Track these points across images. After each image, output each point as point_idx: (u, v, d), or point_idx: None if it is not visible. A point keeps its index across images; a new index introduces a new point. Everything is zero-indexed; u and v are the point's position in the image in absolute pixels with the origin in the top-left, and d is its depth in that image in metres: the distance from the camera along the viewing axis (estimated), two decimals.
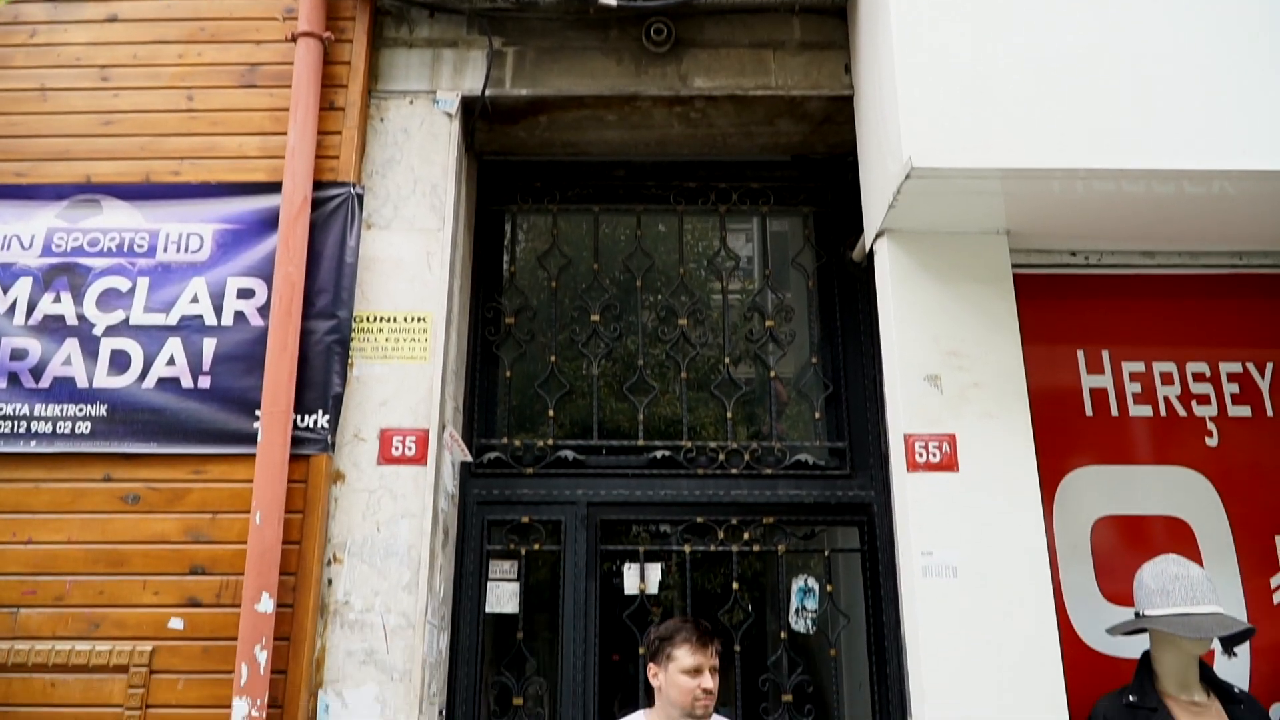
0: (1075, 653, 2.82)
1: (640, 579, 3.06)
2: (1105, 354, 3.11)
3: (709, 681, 2.57)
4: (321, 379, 2.83)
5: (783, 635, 3.05)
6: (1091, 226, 2.97)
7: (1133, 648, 2.71)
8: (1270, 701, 2.76)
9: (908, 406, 2.81)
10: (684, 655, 2.59)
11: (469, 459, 3.09)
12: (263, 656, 2.54)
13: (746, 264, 4.09)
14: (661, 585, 3.11)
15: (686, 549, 3.07)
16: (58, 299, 2.91)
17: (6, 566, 2.71)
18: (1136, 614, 2.63)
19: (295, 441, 2.75)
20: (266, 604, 2.58)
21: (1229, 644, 2.65)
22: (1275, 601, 2.93)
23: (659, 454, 3.16)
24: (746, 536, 3.08)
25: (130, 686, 2.62)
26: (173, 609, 2.68)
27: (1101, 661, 2.83)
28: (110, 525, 2.75)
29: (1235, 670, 2.79)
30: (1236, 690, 2.64)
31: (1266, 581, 2.95)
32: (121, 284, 2.93)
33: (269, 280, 2.89)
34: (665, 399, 4.00)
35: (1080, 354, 3.11)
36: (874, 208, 2.97)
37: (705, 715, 2.59)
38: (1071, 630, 2.86)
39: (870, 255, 3.04)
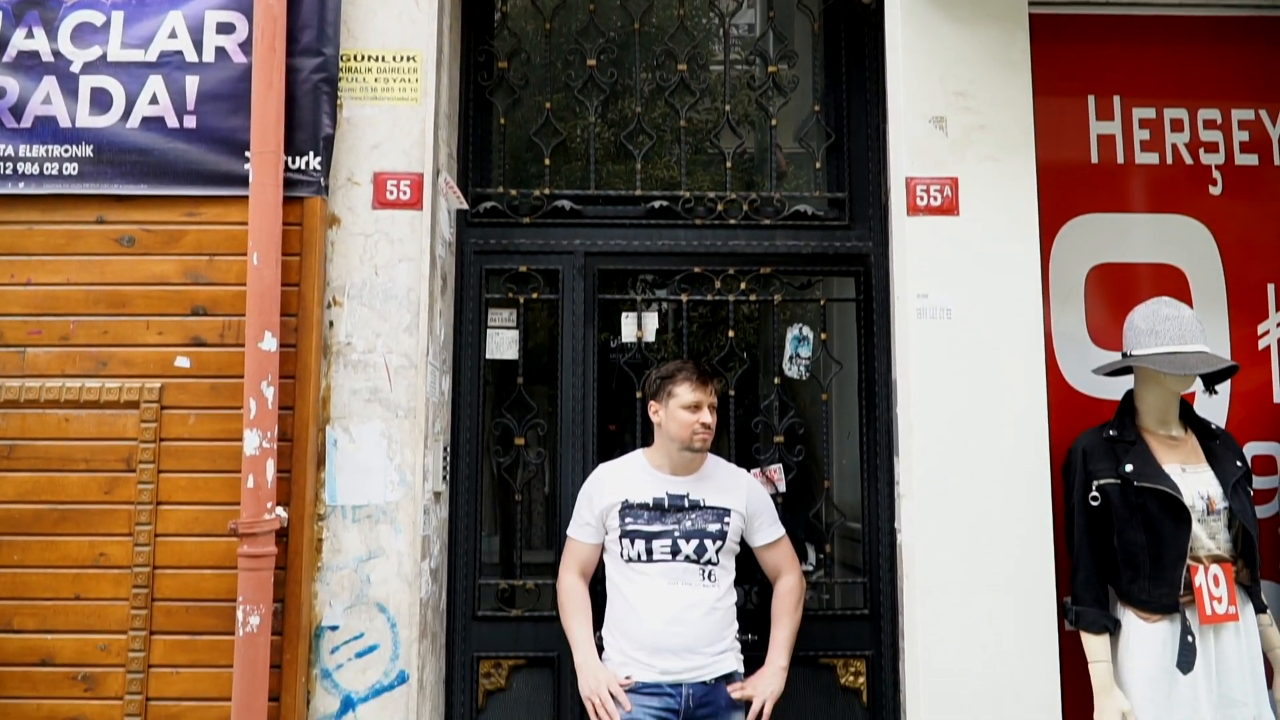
0: (1061, 395, 2.90)
1: (638, 328, 3.10)
2: (1116, 100, 3.03)
3: (708, 416, 2.69)
4: (310, 120, 2.76)
5: (776, 381, 3.12)
6: None
7: (1116, 390, 2.79)
8: (1244, 441, 2.86)
9: (911, 149, 2.76)
10: (685, 392, 2.68)
11: (465, 206, 3.06)
12: (269, 392, 2.60)
13: (749, 5, 3.91)
14: (658, 334, 3.16)
15: (684, 298, 3.09)
16: (30, 34, 2.79)
17: (8, 308, 2.74)
18: (1124, 354, 2.69)
19: (288, 184, 2.71)
20: (270, 342, 2.62)
21: (1210, 382, 2.73)
22: (1260, 347, 2.99)
23: (657, 204, 3.13)
24: (743, 286, 3.09)
25: (142, 421, 2.70)
26: (178, 348, 2.73)
27: (1086, 403, 2.91)
28: (108, 267, 2.75)
29: (1213, 412, 2.88)
30: (1214, 426, 2.74)
31: (1254, 329, 3.00)
32: (95, 18, 2.79)
33: (248, 14, 2.76)
34: (663, 162, 3.93)
35: (1090, 99, 3.02)
36: None
37: (703, 449, 2.72)
38: (1059, 373, 2.93)
39: None
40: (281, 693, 2.62)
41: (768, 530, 2.79)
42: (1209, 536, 2.57)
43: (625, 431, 3.20)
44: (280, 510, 2.63)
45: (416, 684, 2.69)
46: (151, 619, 2.66)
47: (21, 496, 2.69)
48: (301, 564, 2.67)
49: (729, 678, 2.66)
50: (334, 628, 2.70)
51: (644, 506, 2.71)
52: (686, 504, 2.71)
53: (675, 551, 2.67)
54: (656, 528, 2.69)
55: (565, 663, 2.95)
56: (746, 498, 2.77)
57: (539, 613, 3.01)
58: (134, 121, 2.77)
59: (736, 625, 2.74)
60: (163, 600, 2.67)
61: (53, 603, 2.67)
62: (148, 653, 2.65)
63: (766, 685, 2.68)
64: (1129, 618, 2.59)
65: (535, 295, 3.09)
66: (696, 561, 2.67)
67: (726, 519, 2.71)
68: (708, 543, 2.68)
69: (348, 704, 2.68)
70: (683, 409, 2.69)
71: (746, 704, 2.65)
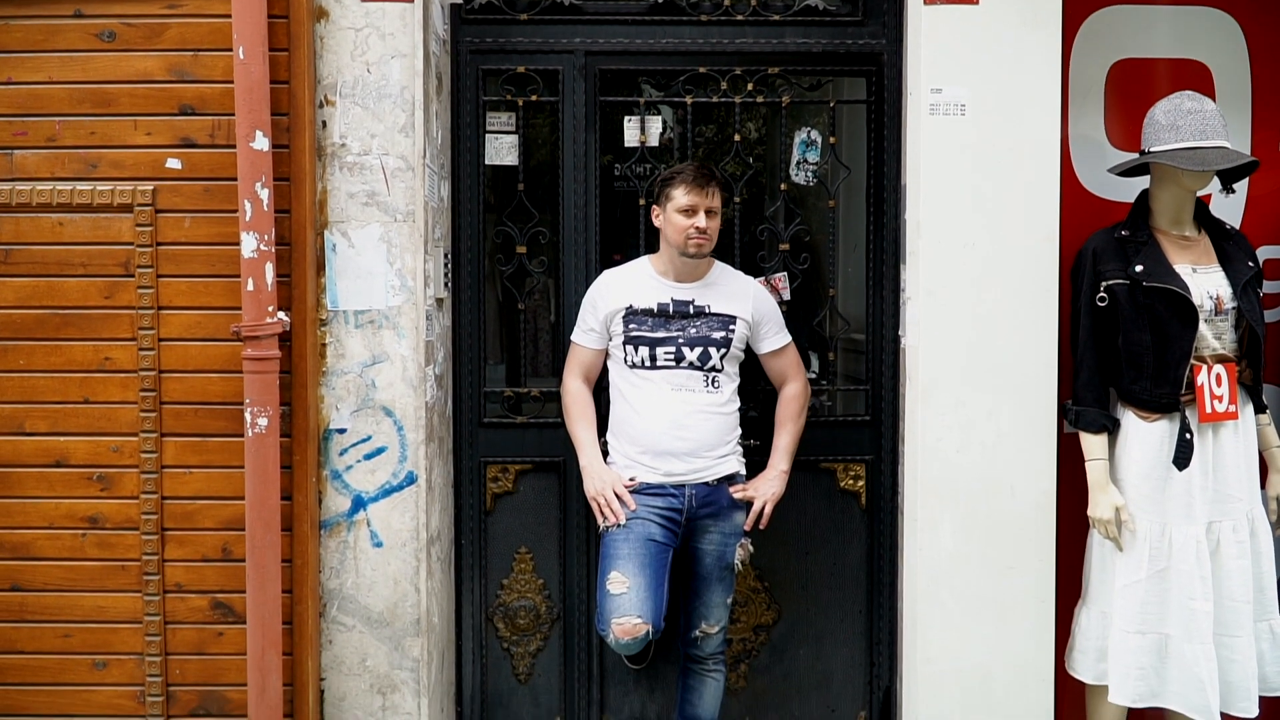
0: (1075, 197, 2.83)
1: (640, 133, 3.01)
2: None
3: (703, 221, 2.63)
4: None
5: (783, 187, 3.05)
6: None
7: (1133, 193, 2.72)
8: (1259, 245, 2.81)
9: None
10: (680, 195, 2.63)
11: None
12: (264, 193, 2.55)
13: None
14: (662, 138, 3.07)
15: (688, 100, 2.99)
16: None
17: None
18: (1142, 152, 2.61)
19: None
20: (261, 142, 2.54)
21: (1228, 180, 2.66)
22: None
23: None
24: (750, 88, 2.98)
25: (137, 225, 2.65)
26: (168, 149, 2.65)
27: (1100, 205, 2.86)
28: (90, 64, 2.64)
29: (1229, 214, 2.82)
30: (1228, 227, 2.69)
31: (1278, 130, 2.90)
32: None
33: None
34: None
35: None
36: None
37: (699, 254, 2.68)
38: (1073, 175, 2.86)
39: None
40: (293, 492, 2.68)
41: (774, 337, 2.79)
42: (1215, 336, 2.56)
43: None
44: (282, 314, 2.62)
45: (425, 485, 2.75)
46: (161, 421, 2.69)
47: (22, 301, 2.68)
48: (306, 368, 2.67)
49: (731, 479, 2.72)
50: (342, 430, 2.73)
51: (648, 313, 2.70)
52: (691, 310, 2.69)
53: (679, 358, 2.67)
54: (660, 334, 2.68)
55: (571, 467, 3.01)
56: (753, 305, 2.74)
57: (544, 419, 3.04)
58: None
59: (739, 430, 2.77)
60: (171, 403, 2.69)
61: (63, 406, 2.69)
62: (160, 454, 2.70)
63: (768, 488, 2.73)
64: (1128, 417, 2.61)
65: (534, 97, 2.98)
66: (700, 368, 2.68)
67: (732, 326, 2.70)
68: (712, 350, 2.68)
69: (358, 503, 2.75)
70: (678, 213, 2.63)
71: (747, 505, 2.71)
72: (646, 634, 2.56)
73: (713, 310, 2.70)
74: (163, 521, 2.70)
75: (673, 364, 2.67)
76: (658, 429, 2.66)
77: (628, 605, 2.55)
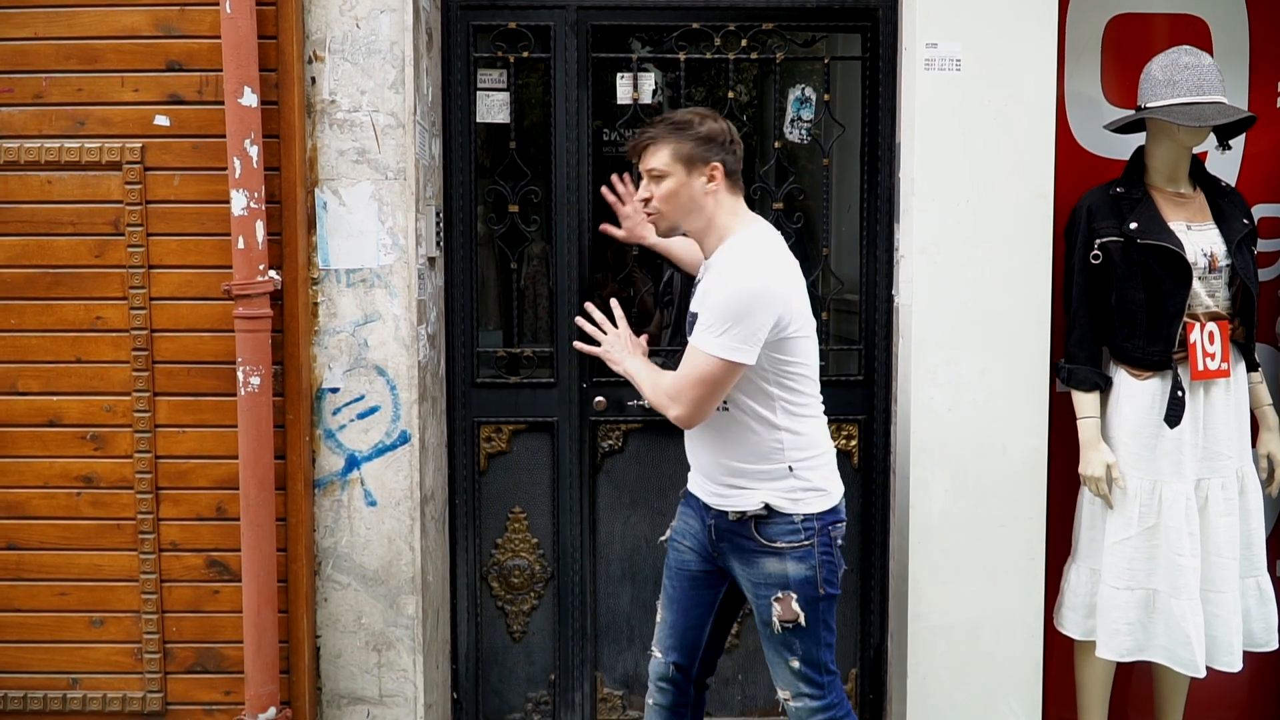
0: (1070, 154, 2.82)
1: (633, 89, 2.98)
2: None
3: (644, 190, 2.24)
4: None
5: (776, 145, 3.03)
6: None
7: (1129, 151, 2.71)
8: (1254, 203, 2.80)
9: None
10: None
11: None
12: (254, 150, 2.53)
13: None
14: (654, 97, 3.04)
15: (681, 57, 2.96)
16: None
17: None
18: (1138, 108, 2.59)
19: None
20: (250, 98, 2.52)
21: (1224, 137, 2.65)
22: (1279, 105, 2.88)
23: None
24: (744, 44, 2.95)
25: (126, 183, 2.63)
26: (156, 106, 2.63)
27: (1096, 163, 2.84)
28: (76, 19, 2.61)
29: (1225, 172, 2.80)
30: (1224, 184, 2.68)
31: (1274, 88, 2.88)
32: None
33: None
34: None
35: None
36: None
37: (661, 233, 2.28)
38: (1069, 132, 2.84)
39: None
40: (287, 451, 2.68)
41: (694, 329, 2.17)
42: (1208, 294, 2.56)
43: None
44: (273, 273, 2.61)
45: (419, 444, 2.75)
46: (154, 380, 2.69)
47: (12, 260, 2.67)
48: (298, 327, 2.67)
49: (759, 518, 2.19)
50: (334, 390, 2.73)
51: (688, 302, 2.34)
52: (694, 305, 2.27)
53: None
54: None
55: (564, 427, 3.02)
56: (704, 297, 2.17)
57: (538, 379, 3.04)
58: None
59: (780, 459, 2.18)
60: (163, 362, 2.69)
61: (55, 365, 2.69)
62: (153, 413, 2.70)
63: (619, 351, 2.33)
64: (1120, 375, 2.61)
65: (526, 54, 2.95)
66: None
67: None
68: None
69: (352, 462, 2.76)
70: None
71: (778, 552, 2.19)
72: (667, 667, 2.39)
73: (692, 306, 2.25)
74: (157, 480, 2.71)
75: None
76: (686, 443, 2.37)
77: (655, 636, 2.42)
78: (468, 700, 3.11)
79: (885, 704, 3.00)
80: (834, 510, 2.23)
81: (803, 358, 2.19)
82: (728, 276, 2.11)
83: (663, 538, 2.47)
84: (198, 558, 2.74)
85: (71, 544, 2.73)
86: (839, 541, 2.25)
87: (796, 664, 2.21)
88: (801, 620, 2.17)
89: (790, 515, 2.17)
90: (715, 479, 2.25)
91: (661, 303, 3.48)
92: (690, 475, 2.38)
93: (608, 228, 2.77)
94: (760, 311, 2.07)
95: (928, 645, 2.77)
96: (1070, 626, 2.71)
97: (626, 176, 2.71)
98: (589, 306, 2.44)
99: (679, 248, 2.61)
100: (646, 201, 2.23)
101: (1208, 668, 2.53)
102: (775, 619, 2.18)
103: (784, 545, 2.17)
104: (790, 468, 2.18)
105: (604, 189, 2.73)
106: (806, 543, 2.17)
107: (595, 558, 3.09)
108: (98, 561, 2.73)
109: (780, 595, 2.18)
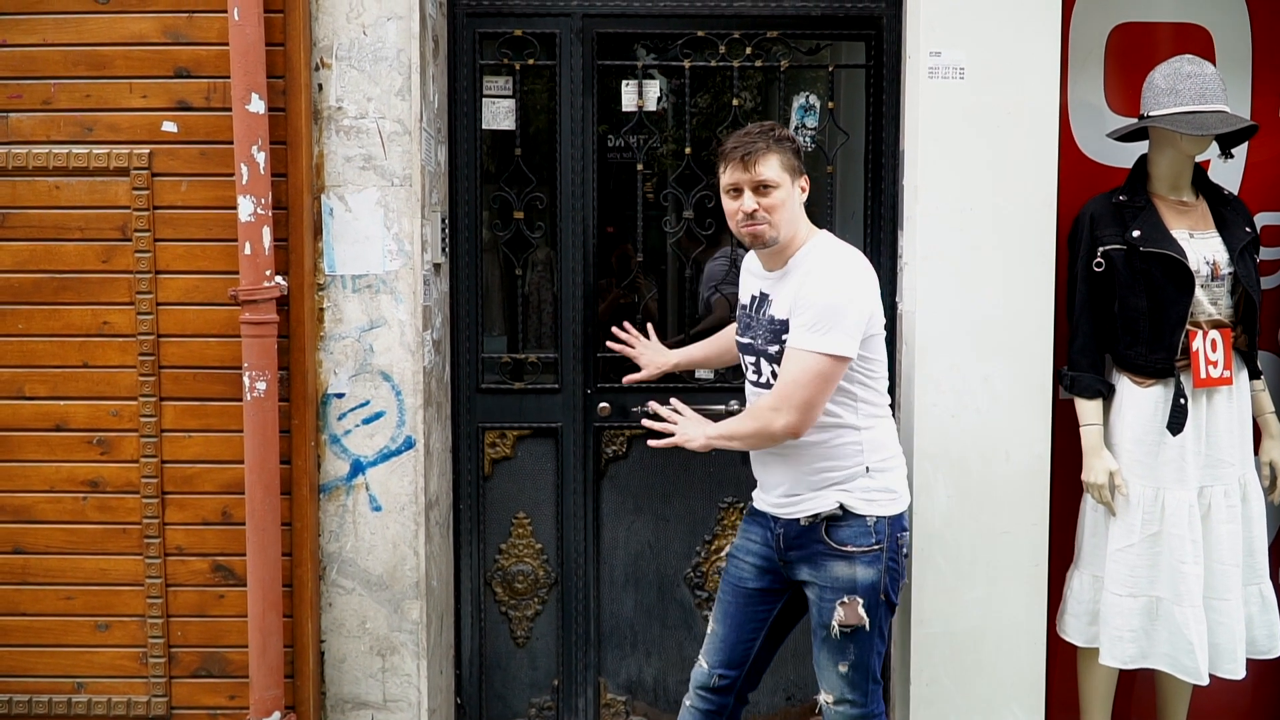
0: (1073, 163, 2.82)
1: (638, 96, 3.00)
2: None
3: (750, 203, 2.18)
4: None
5: None
6: None
7: (1132, 159, 2.72)
8: (1256, 211, 2.81)
9: None
10: (723, 175, 2.25)
11: None
12: (260, 157, 2.54)
13: None
14: (659, 104, 3.06)
15: (686, 64, 2.97)
16: None
17: None
18: (1141, 116, 2.60)
19: None
20: (257, 104, 2.53)
21: (1227, 145, 2.66)
22: None
23: None
24: (749, 52, 2.96)
25: (134, 188, 2.65)
26: (163, 112, 2.64)
27: (1099, 171, 2.85)
28: (85, 26, 2.63)
29: (1227, 180, 2.81)
30: (1226, 192, 2.69)
31: (1277, 96, 2.89)
32: None
33: None
34: None
35: None
36: None
37: (757, 245, 2.23)
38: (1072, 140, 2.85)
39: None
40: (292, 456, 2.69)
41: (793, 333, 2.17)
42: (1211, 302, 2.57)
43: (625, 238, 3.15)
44: (279, 279, 2.62)
45: (424, 450, 2.76)
46: (160, 385, 2.70)
47: (19, 265, 2.68)
48: (304, 333, 2.68)
49: (832, 517, 2.21)
50: (340, 395, 2.74)
51: (743, 308, 2.37)
52: (762, 311, 2.27)
53: (756, 371, 2.29)
54: (745, 339, 2.33)
55: (568, 433, 3.03)
56: (793, 300, 2.18)
57: (542, 385, 3.05)
58: None
59: (850, 458, 2.22)
60: (170, 367, 2.70)
61: (62, 370, 2.70)
62: (159, 418, 2.71)
63: (689, 426, 2.28)
64: (1123, 382, 2.62)
65: (531, 61, 2.97)
66: (757, 385, 2.29)
67: (784, 336, 2.18)
68: (765, 364, 2.25)
69: (357, 467, 2.76)
70: (725, 195, 2.24)
71: (847, 556, 2.20)
72: (712, 677, 2.39)
73: (769, 313, 2.25)
74: (163, 485, 2.72)
75: (753, 378, 2.32)
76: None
77: (704, 647, 2.43)
78: (471, 705, 3.12)
79: (888, 710, 3.00)
80: (901, 517, 2.27)
81: (881, 355, 2.26)
82: (825, 275, 2.16)
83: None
84: (203, 562, 2.74)
85: (77, 548, 2.74)
86: (904, 551, 2.28)
87: (846, 668, 2.23)
88: (865, 625, 2.20)
89: (864, 516, 2.20)
90: (788, 489, 2.26)
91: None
92: (755, 493, 2.39)
93: (628, 364, 2.75)
94: (861, 305, 2.15)
95: (931, 651, 2.78)
96: (1073, 633, 2.71)
97: (627, 324, 2.71)
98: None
99: (702, 354, 2.69)
100: (752, 214, 2.19)
101: (1211, 675, 2.53)
102: (835, 623, 2.20)
103: (854, 549, 2.20)
104: (867, 468, 2.22)
105: (611, 344, 2.72)
106: (876, 547, 2.20)
107: (599, 563, 3.09)
108: (103, 566, 2.74)
109: (846, 600, 2.20)
